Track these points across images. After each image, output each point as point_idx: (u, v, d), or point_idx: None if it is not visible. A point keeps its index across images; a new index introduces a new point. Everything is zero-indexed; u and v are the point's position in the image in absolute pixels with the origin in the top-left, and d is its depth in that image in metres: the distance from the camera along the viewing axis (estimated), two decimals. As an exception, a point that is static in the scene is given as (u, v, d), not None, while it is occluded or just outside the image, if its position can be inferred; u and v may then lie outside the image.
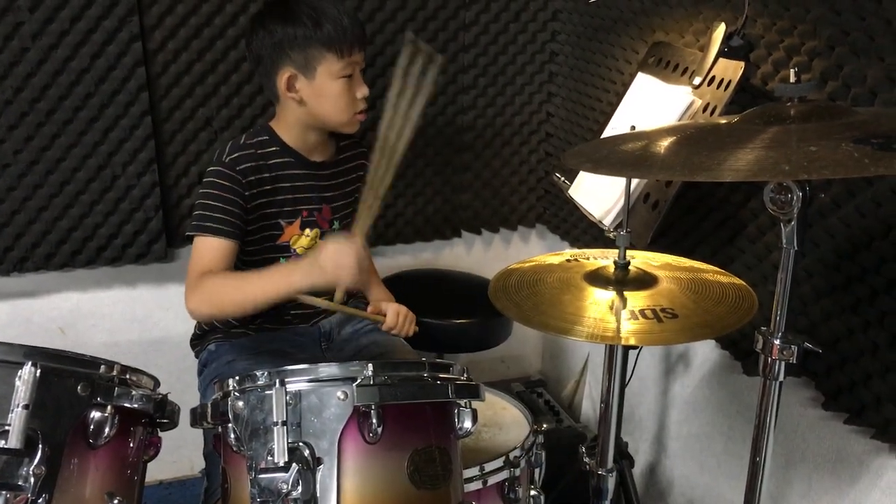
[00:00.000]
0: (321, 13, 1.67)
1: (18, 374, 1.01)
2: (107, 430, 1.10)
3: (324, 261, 1.54)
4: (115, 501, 1.10)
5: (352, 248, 1.55)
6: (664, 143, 1.20)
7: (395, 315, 1.86)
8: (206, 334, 1.86)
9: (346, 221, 1.89)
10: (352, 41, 1.69)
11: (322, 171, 1.83)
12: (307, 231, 1.80)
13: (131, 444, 1.18)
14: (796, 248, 1.18)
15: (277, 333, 1.84)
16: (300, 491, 1.07)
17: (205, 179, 1.71)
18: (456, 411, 1.23)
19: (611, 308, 1.36)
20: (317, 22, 1.66)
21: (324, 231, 1.83)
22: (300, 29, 1.66)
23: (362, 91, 1.74)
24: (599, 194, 1.81)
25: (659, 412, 2.21)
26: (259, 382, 1.14)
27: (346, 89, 1.71)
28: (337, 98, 1.71)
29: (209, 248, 1.66)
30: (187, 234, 1.70)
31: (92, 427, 1.09)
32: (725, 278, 1.48)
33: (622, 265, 1.46)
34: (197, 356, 1.90)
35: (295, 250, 1.80)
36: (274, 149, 1.76)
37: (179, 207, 2.25)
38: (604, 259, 1.55)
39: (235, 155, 1.70)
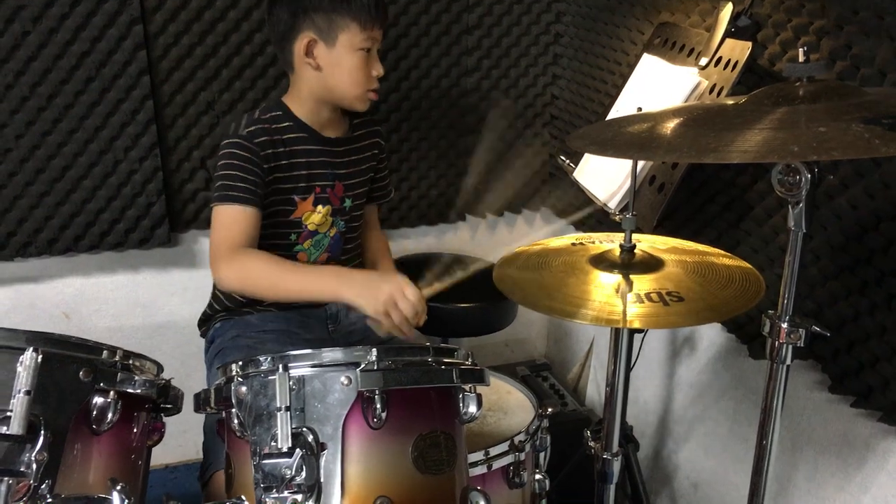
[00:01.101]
0: None
1: (20, 359, 1.01)
2: (110, 415, 1.09)
3: (382, 294, 1.51)
4: (119, 487, 1.09)
5: (416, 305, 1.53)
6: (670, 125, 1.19)
7: None
8: (215, 314, 1.87)
9: (358, 201, 1.89)
10: (375, 15, 1.69)
11: (336, 148, 1.82)
12: (319, 207, 1.79)
13: (135, 430, 1.18)
14: (804, 230, 1.17)
15: (284, 313, 1.83)
16: (304, 476, 1.07)
17: (222, 152, 1.69)
18: (461, 396, 1.22)
19: (616, 291, 1.35)
20: None
21: (335, 208, 1.82)
22: None
23: (378, 69, 1.74)
24: (604, 177, 1.79)
25: (664, 396, 2.21)
26: (262, 367, 1.13)
27: (363, 63, 1.71)
28: (353, 70, 1.70)
29: (236, 219, 1.64)
30: (211, 205, 1.67)
31: (95, 413, 1.09)
32: (732, 261, 1.47)
33: (628, 248, 1.45)
34: (203, 335, 1.90)
35: (307, 226, 1.79)
36: (287, 124, 1.75)
37: (182, 192, 2.24)
38: (609, 242, 1.54)
39: (252, 128, 1.69)
